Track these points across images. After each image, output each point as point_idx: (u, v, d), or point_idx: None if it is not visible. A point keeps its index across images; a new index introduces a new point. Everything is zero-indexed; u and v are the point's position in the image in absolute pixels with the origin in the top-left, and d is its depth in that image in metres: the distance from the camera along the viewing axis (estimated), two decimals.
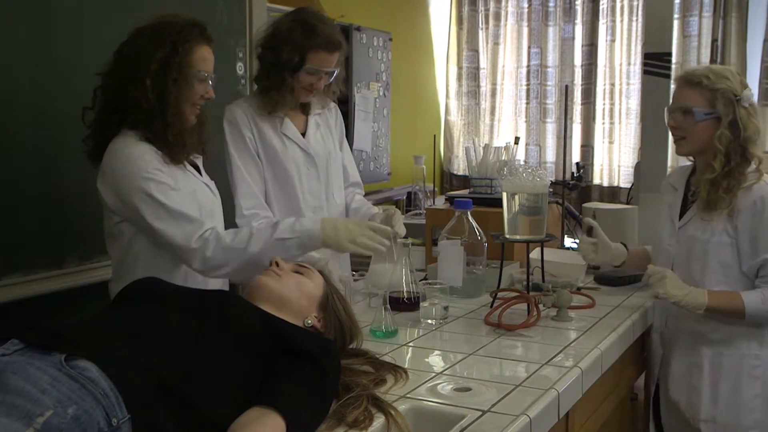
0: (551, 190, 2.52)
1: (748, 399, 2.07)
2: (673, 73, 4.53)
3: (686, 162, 2.26)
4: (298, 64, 2.22)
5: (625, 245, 2.39)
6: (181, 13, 1.95)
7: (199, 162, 2.08)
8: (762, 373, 2.07)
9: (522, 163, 5.00)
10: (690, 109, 2.08)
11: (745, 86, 2.08)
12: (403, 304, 2.13)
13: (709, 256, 2.09)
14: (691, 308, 2.05)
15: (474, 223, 2.31)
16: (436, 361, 1.78)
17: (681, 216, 2.18)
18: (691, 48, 4.58)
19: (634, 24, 4.75)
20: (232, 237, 1.90)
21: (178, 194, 1.87)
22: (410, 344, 1.89)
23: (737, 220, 2.05)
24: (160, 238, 1.86)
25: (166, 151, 1.88)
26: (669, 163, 4.51)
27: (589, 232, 2.38)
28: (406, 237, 2.30)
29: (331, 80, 2.31)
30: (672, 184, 2.26)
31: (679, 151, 2.19)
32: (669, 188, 2.27)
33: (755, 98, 4.32)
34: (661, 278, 2.06)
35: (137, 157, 1.84)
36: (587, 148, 5.00)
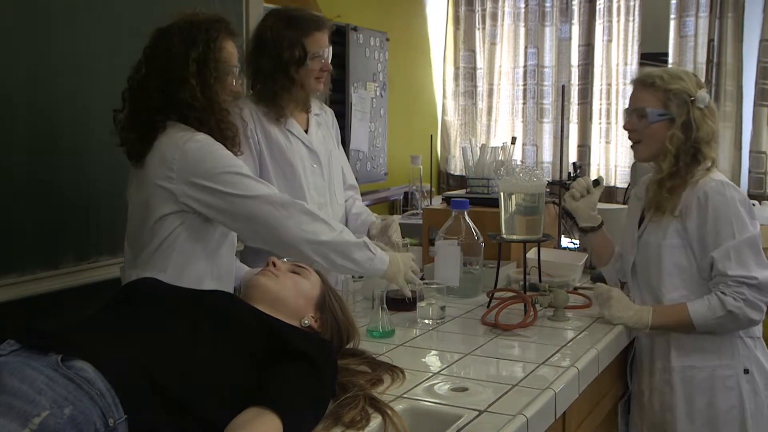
0: (548, 190, 2.53)
1: (725, 411, 2.02)
2: None
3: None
4: (303, 55, 2.23)
5: (602, 223, 2.31)
6: (202, 10, 1.93)
7: None
8: (736, 384, 2.02)
9: (519, 163, 5.01)
10: (644, 110, 2.05)
11: (700, 87, 2.05)
12: (400, 303, 2.13)
13: (663, 260, 2.06)
14: (637, 328, 2.04)
15: (471, 223, 2.31)
16: (433, 361, 1.79)
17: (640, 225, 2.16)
18: (687, 48, 4.57)
19: (630, 24, 4.75)
20: (323, 215, 1.91)
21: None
22: (407, 344, 1.89)
23: (686, 220, 2.02)
24: (257, 205, 1.83)
25: (227, 145, 1.88)
26: None
27: (595, 183, 2.31)
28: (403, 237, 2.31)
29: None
30: (636, 194, 2.24)
31: (636, 157, 2.15)
32: (634, 198, 2.25)
33: (751, 99, 4.36)
34: (607, 299, 2.06)
35: (213, 143, 1.83)
36: (584, 148, 5.00)
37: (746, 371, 2.03)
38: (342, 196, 2.51)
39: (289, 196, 1.91)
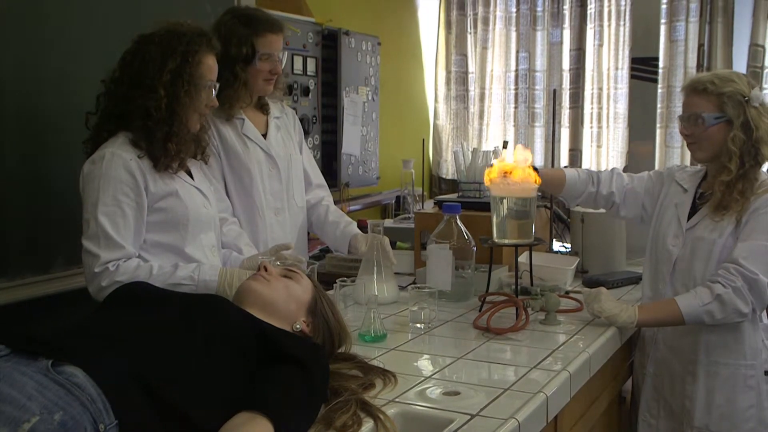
0: (539, 194, 2.53)
1: (743, 409, 2.07)
2: (660, 78, 4.58)
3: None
4: (251, 53, 2.24)
5: (536, 170, 2.25)
6: (187, 21, 1.96)
7: (196, 167, 2.09)
8: (756, 384, 2.07)
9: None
10: (700, 116, 2.08)
11: (752, 86, 2.09)
12: None
13: (713, 257, 2.08)
14: (625, 325, 2.07)
15: (462, 227, 2.31)
16: (424, 365, 1.79)
17: (689, 218, 2.17)
18: (677, 53, 4.59)
19: (621, 29, 4.77)
20: (131, 274, 1.85)
21: (123, 219, 1.87)
22: (399, 348, 1.89)
23: (743, 224, 2.05)
24: (84, 255, 1.88)
25: (157, 159, 1.90)
26: (657, 167, 4.54)
27: (505, 145, 2.47)
28: (394, 245, 2.30)
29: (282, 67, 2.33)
30: (681, 184, 2.25)
31: (695, 158, 2.20)
32: (676, 185, 2.25)
33: None
34: (597, 295, 2.09)
35: (99, 175, 1.86)
36: (575, 152, 5.01)
37: (766, 373, 2.08)
38: (302, 199, 2.51)
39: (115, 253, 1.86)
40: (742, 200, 2.05)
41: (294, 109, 3.73)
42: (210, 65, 1.95)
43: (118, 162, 1.86)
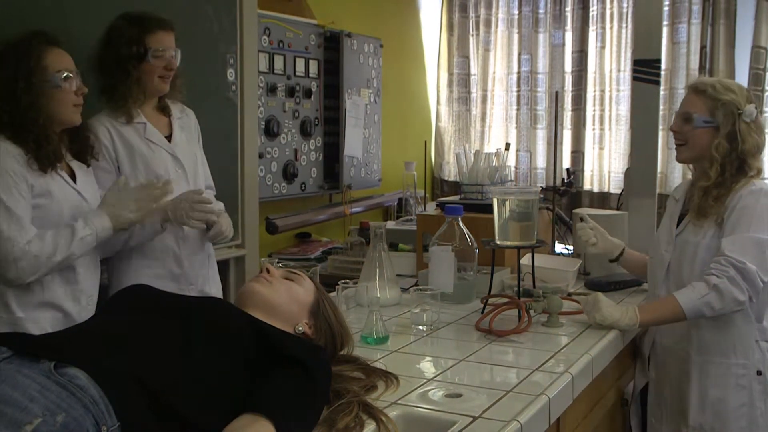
0: (542, 196, 2.53)
1: (735, 408, 2.08)
2: (662, 80, 4.58)
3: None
4: (142, 52, 2.24)
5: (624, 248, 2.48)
6: (28, 27, 2.01)
7: (83, 171, 2.12)
8: (748, 383, 2.08)
9: (513, 168, 5.00)
10: (690, 115, 2.13)
11: (750, 101, 2.12)
12: None
13: (698, 259, 2.12)
14: (627, 328, 2.08)
15: (465, 229, 2.31)
16: (427, 367, 1.79)
17: (678, 224, 2.22)
18: (680, 55, 4.59)
19: (623, 31, 4.77)
20: (39, 246, 1.91)
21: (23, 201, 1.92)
22: (401, 350, 1.89)
23: (724, 222, 2.09)
24: None
25: (37, 160, 1.95)
26: (659, 169, 4.53)
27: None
28: (396, 247, 2.29)
29: (177, 65, 2.32)
30: (674, 196, 2.32)
31: (678, 158, 2.24)
32: (672, 200, 2.33)
33: None
34: (595, 302, 2.10)
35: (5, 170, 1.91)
36: (577, 154, 5.01)
37: (759, 373, 2.09)
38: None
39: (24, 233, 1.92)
40: (717, 206, 2.10)
41: (296, 111, 3.76)
42: (54, 58, 1.98)
43: (10, 154, 1.93)
